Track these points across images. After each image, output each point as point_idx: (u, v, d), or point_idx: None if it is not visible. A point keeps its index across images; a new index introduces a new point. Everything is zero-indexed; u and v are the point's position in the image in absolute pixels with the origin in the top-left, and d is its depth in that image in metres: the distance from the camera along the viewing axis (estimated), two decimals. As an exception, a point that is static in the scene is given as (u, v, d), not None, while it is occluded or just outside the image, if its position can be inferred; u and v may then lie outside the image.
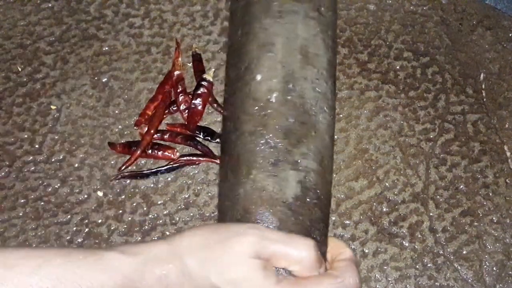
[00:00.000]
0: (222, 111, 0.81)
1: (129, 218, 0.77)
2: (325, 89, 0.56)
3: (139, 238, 0.76)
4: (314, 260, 0.46)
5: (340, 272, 0.47)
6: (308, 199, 0.53)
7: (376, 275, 0.74)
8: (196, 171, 0.80)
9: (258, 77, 0.55)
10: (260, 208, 0.51)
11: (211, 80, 0.84)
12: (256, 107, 0.54)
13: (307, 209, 0.53)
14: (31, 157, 0.81)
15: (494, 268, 0.74)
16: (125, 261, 0.45)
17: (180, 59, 0.86)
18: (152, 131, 0.80)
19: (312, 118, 0.54)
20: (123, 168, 0.79)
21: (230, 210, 0.53)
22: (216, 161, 0.80)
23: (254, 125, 0.54)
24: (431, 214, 0.78)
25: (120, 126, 0.83)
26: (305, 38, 0.56)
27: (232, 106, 0.57)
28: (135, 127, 0.82)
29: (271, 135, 0.53)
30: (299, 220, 0.53)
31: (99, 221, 0.77)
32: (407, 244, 0.76)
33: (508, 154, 0.81)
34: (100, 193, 0.78)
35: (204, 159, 0.80)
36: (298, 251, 0.46)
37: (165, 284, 0.45)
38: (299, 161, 0.53)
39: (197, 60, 0.87)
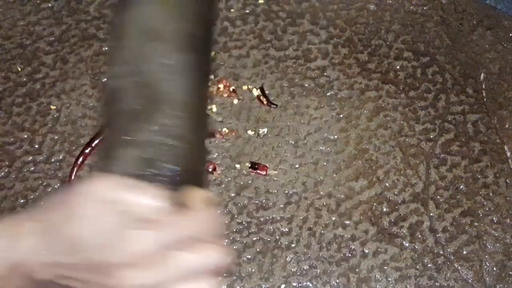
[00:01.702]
0: None
1: None
2: (174, 64, 0.56)
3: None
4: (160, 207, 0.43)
5: (195, 212, 0.44)
6: (152, 172, 0.52)
7: (376, 275, 0.74)
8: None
9: (112, 69, 0.56)
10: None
11: None
12: (109, 96, 0.55)
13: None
14: (30, 157, 0.81)
15: (494, 268, 0.74)
16: None
17: None
18: None
19: (160, 96, 0.54)
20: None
21: None
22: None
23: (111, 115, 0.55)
24: (431, 214, 0.77)
25: (120, 126, 0.83)
26: (151, 16, 0.56)
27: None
28: None
29: (119, 115, 0.54)
30: None
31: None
32: (407, 244, 0.76)
33: (508, 154, 0.81)
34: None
35: None
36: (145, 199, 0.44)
37: (32, 243, 0.43)
38: (139, 139, 0.52)
39: None
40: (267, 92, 0.85)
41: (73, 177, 0.79)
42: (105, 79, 0.56)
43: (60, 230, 0.42)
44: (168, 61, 0.55)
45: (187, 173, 0.52)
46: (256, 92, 0.85)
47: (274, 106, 0.84)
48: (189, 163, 0.53)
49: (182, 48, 0.57)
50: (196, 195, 0.47)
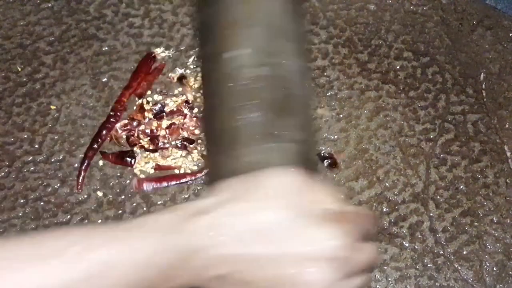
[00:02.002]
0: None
1: (129, 219, 0.77)
2: (304, 65, 0.56)
3: (139, 238, 0.76)
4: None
5: (358, 212, 0.46)
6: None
7: (376, 275, 0.74)
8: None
9: (240, 53, 0.55)
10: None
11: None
12: (240, 83, 0.54)
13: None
14: (30, 157, 0.81)
15: (495, 268, 0.74)
16: (170, 217, 0.41)
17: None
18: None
19: (294, 91, 0.55)
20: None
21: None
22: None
23: (239, 101, 0.54)
24: (431, 214, 0.77)
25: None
26: (277, 14, 0.56)
27: (214, 85, 0.57)
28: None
29: (257, 109, 0.53)
30: None
31: (99, 221, 0.77)
32: (407, 244, 0.76)
33: (508, 154, 0.81)
34: (100, 193, 0.78)
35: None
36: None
37: (209, 230, 0.41)
38: (284, 133, 0.53)
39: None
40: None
41: (80, 181, 0.79)
42: (226, 56, 0.54)
43: (243, 219, 0.41)
44: (299, 62, 0.55)
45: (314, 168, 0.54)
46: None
47: None
48: (314, 160, 0.55)
49: (304, 52, 0.58)
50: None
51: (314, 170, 0.54)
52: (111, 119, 0.82)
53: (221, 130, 0.53)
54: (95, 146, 0.80)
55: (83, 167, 0.79)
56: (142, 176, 0.79)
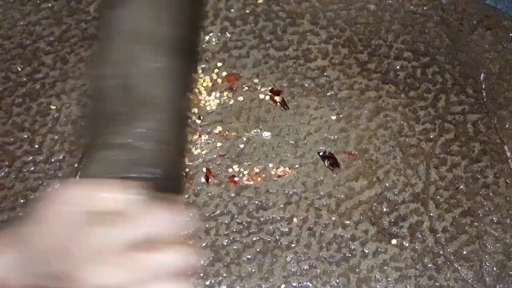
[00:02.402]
0: None
1: None
2: (160, 68, 0.56)
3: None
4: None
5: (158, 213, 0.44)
6: (136, 175, 0.52)
7: (376, 275, 0.74)
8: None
9: (98, 69, 0.55)
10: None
11: None
12: (94, 94, 0.54)
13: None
14: (30, 157, 0.81)
15: (495, 268, 0.74)
16: None
17: None
18: None
19: (145, 99, 0.54)
20: None
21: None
22: None
23: (92, 111, 0.54)
24: (431, 214, 0.78)
25: (120, 126, 0.83)
26: (138, 22, 0.56)
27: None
28: None
29: (103, 118, 0.53)
30: None
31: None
32: (407, 244, 0.76)
33: (508, 154, 0.81)
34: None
35: None
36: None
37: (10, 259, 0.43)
38: (127, 141, 0.52)
39: None
40: (266, 92, 0.85)
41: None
42: (89, 80, 0.55)
43: (32, 242, 0.42)
44: (154, 64, 0.54)
45: (166, 177, 0.52)
46: (262, 94, 0.85)
47: (286, 108, 0.84)
48: (169, 168, 0.53)
49: (168, 52, 0.56)
50: (166, 199, 0.46)
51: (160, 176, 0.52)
52: None
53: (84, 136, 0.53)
54: None
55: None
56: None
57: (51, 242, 0.41)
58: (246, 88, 0.86)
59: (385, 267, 0.74)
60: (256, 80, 0.86)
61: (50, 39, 0.89)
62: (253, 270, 0.74)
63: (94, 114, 0.52)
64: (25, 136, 0.82)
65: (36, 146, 0.82)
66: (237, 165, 0.80)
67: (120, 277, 0.40)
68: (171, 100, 0.54)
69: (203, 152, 0.81)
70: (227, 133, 0.83)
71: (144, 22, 0.56)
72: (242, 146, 0.81)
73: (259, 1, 0.92)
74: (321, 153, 0.81)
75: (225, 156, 0.81)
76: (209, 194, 0.79)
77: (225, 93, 0.85)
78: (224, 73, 0.86)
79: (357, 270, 0.74)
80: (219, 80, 0.86)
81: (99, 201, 0.42)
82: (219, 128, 0.83)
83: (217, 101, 0.85)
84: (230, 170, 0.80)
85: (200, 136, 0.82)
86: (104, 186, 0.43)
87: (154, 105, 0.53)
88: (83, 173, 0.47)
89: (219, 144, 0.82)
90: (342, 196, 0.78)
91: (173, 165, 0.53)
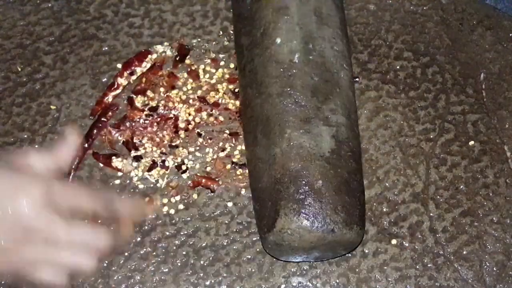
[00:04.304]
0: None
1: None
2: (342, 47, 0.57)
3: (139, 239, 0.76)
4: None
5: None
6: (343, 152, 0.54)
7: (376, 275, 0.74)
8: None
9: (278, 40, 0.56)
10: (300, 164, 0.52)
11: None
12: (281, 69, 0.55)
13: (344, 162, 0.54)
14: (30, 157, 0.81)
15: (494, 268, 0.74)
16: None
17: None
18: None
19: (335, 75, 0.56)
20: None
21: (267, 170, 0.53)
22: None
23: (281, 86, 0.55)
24: (431, 214, 0.78)
25: (120, 126, 0.83)
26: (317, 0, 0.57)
27: (251, 72, 0.57)
28: (91, 117, 0.83)
29: (298, 94, 0.54)
30: (338, 172, 0.54)
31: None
32: (407, 244, 0.76)
33: (508, 154, 0.81)
34: (100, 193, 0.78)
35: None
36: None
37: None
38: (329, 116, 0.54)
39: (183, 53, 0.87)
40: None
41: (71, 178, 0.79)
42: (265, 44, 0.56)
43: None
44: (338, 47, 0.55)
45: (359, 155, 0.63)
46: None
47: None
48: (358, 149, 0.62)
49: (345, 37, 0.58)
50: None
51: (354, 153, 0.53)
52: (102, 118, 0.82)
53: (267, 116, 0.54)
54: (86, 145, 0.80)
55: (73, 166, 0.79)
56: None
57: None
58: (246, 88, 0.85)
59: (385, 267, 0.74)
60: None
61: (50, 39, 0.89)
62: (253, 270, 0.74)
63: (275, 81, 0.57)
64: (25, 136, 0.82)
65: (36, 146, 0.82)
66: (238, 166, 0.80)
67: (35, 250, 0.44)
68: (351, 83, 0.61)
69: (203, 151, 0.81)
70: (227, 133, 0.83)
71: (323, 3, 0.58)
72: (242, 146, 0.81)
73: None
74: None
75: (225, 156, 0.81)
76: (209, 194, 0.79)
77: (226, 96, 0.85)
78: (227, 76, 0.86)
79: (357, 270, 0.74)
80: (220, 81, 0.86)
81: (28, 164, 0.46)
82: (220, 129, 0.83)
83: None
84: (230, 170, 0.80)
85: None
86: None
87: (340, 86, 0.57)
88: None
89: (220, 144, 0.82)
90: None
91: (356, 142, 0.62)
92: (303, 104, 0.54)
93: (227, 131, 0.82)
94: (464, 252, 0.75)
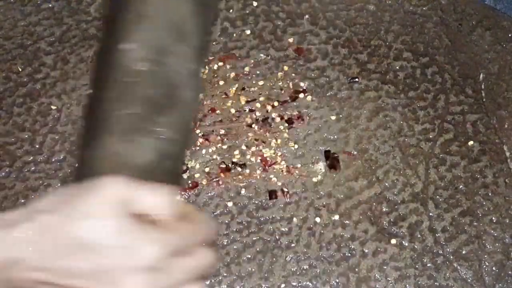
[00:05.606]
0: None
1: None
2: (195, 68, 0.56)
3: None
4: (169, 205, 0.43)
5: (194, 219, 0.44)
6: (162, 167, 0.52)
7: (376, 275, 0.74)
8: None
9: (129, 47, 0.55)
10: (114, 172, 0.51)
11: None
12: (122, 75, 0.54)
13: (159, 177, 0.52)
14: (31, 157, 0.81)
15: (494, 268, 0.75)
16: None
17: None
18: None
19: (178, 92, 0.54)
20: None
21: (86, 176, 0.52)
22: None
23: (117, 93, 0.54)
24: (430, 214, 0.78)
25: (120, 126, 0.83)
26: (182, 15, 0.56)
27: (99, 74, 0.56)
28: None
29: (134, 102, 0.53)
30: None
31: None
32: (406, 244, 0.76)
33: (508, 154, 0.82)
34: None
35: None
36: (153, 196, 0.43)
37: (26, 241, 0.40)
38: (157, 129, 0.53)
39: None
40: (266, 92, 0.85)
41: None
42: (116, 48, 0.54)
43: (61, 230, 0.40)
44: (189, 66, 0.55)
45: (178, 173, 0.53)
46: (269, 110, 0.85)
47: None
48: (181, 166, 0.54)
49: (200, 57, 0.58)
50: (188, 207, 0.47)
51: (176, 169, 0.53)
52: None
53: (96, 120, 0.53)
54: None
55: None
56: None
57: (91, 234, 0.40)
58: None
59: (385, 267, 0.75)
60: (256, 81, 0.86)
61: (51, 39, 0.90)
62: (253, 270, 0.75)
63: (117, 87, 0.53)
64: (26, 136, 0.83)
65: (37, 146, 0.82)
66: (238, 165, 0.80)
67: (161, 283, 0.40)
68: (195, 103, 0.56)
69: (203, 151, 0.81)
70: (227, 133, 0.83)
71: (184, 19, 0.56)
72: (242, 146, 0.82)
73: (254, 4, 0.92)
74: (320, 153, 0.81)
75: (226, 156, 0.81)
76: (209, 194, 0.79)
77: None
78: (221, 72, 0.86)
79: (356, 269, 0.75)
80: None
81: (141, 204, 0.42)
82: (219, 128, 0.83)
83: (218, 101, 0.85)
84: (230, 170, 0.80)
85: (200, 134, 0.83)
86: (146, 187, 0.43)
87: (183, 103, 0.54)
88: (116, 162, 0.48)
89: (218, 144, 0.82)
90: (342, 196, 0.79)
91: (182, 163, 0.55)
92: (134, 113, 0.53)
93: (225, 131, 0.82)
94: (463, 252, 0.75)
